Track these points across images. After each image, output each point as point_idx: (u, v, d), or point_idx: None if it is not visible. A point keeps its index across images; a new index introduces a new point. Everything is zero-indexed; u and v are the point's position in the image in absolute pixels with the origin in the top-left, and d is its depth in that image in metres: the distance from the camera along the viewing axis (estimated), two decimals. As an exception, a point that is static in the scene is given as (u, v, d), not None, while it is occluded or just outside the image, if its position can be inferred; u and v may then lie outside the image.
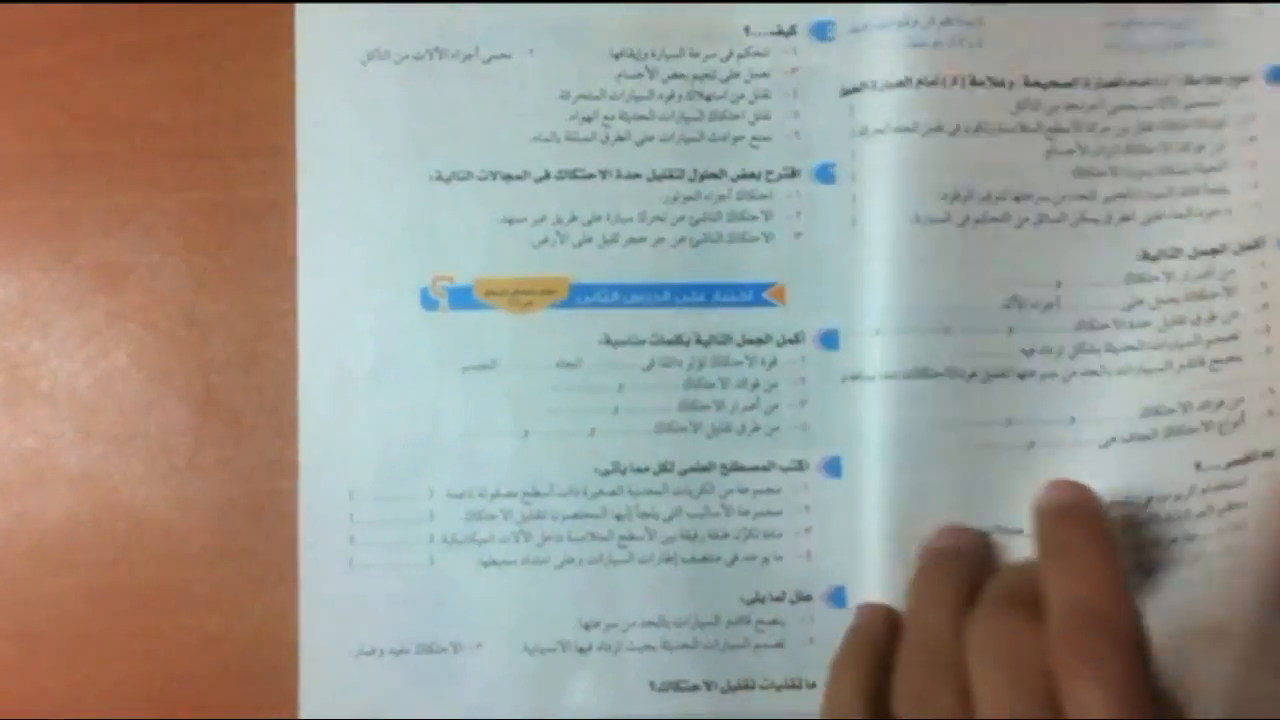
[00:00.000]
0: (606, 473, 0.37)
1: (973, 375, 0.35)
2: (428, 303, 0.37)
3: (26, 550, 0.37)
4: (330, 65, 0.38)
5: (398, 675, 0.36)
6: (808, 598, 0.36)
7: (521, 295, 0.37)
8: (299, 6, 0.38)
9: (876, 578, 0.35)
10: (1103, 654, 0.26)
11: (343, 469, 0.37)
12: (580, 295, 0.37)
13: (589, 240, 0.37)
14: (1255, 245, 0.36)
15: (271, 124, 0.38)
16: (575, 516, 0.36)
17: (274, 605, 0.37)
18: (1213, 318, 0.36)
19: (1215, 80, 0.37)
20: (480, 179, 0.37)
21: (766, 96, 0.38)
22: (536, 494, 0.36)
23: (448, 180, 0.37)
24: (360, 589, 0.36)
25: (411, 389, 0.37)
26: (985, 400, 0.35)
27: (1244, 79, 0.37)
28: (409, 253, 0.37)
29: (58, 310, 0.38)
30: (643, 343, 0.37)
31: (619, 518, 0.36)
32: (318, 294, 0.37)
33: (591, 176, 0.37)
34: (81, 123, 0.38)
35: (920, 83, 0.36)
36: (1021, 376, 0.35)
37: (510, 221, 0.37)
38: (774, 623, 0.36)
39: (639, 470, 0.37)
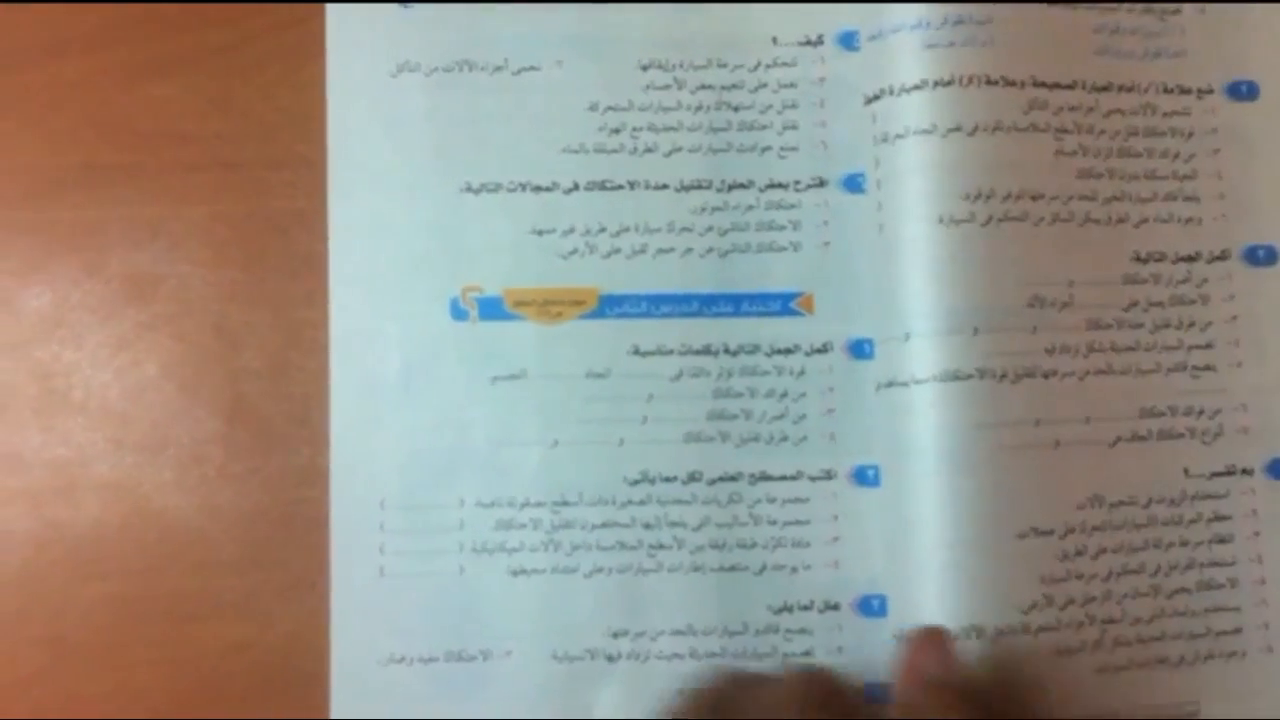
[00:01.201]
0: (635, 482, 0.37)
1: (1003, 376, 0.35)
2: (457, 313, 0.37)
3: (59, 558, 0.37)
4: (360, 77, 0.38)
5: (427, 683, 0.36)
6: (836, 607, 0.36)
7: (551, 306, 0.37)
8: (330, 19, 0.38)
9: (922, 585, 0.35)
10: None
11: (373, 478, 0.37)
12: (609, 306, 0.37)
13: (617, 251, 0.37)
14: (1223, 256, 0.37)
15: (301, 135, 0.38)
16: (604, 525, 0.37)
17: (304, 613, 0.37)
18: (1192, 324, 0.37)
19: (1186, 91, 0.38)
20: (509, 190, 0.37)
21: (794, 106, 0.38)
22: (565, 503, 0.37)
23: (477, 191, 0.37)
24: (390, 597, 0.36)
25: (441, 399, 0.37)
26: (1016, 401, 0.35)
27: (1208, 91, 0.38)
28: (438, 263, 0.37)
29: (89, 321, 0.38)
30: (671, 353, 0.37)
31: (647, 527, 0.37)
32: (348, 304, 0.37)
33: (620, 188, 0.38)
34: (110, 135, 0.38)
35: (937, 84, 0.36)
36: (1046, 376, 0.36)
37: (539, 233, 0.37)
38: (802, 632, 0.36)
39: (667, 480, 0.37)
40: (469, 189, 0.37)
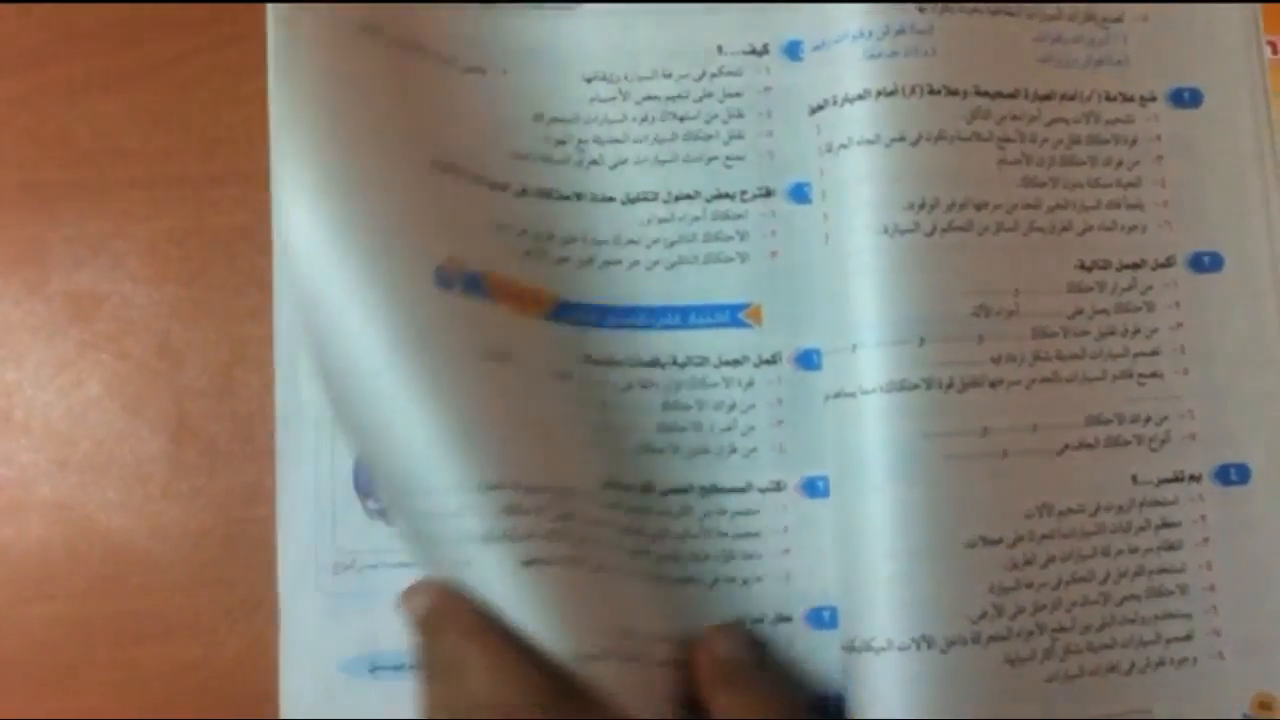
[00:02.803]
0: None
1: (950, 385, 0.35)
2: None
3: (1, 580, 0.37)
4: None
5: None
6: (788, 619, 0.36)
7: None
8: (271, 34, 0.37)
9: (871, 596, 0.34)
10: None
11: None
12: (565, 311, 0.37)
13: (566, 260, 0.37)
14: (1168, 263, 0.37)
15: (244, 151, 0.38)
16: (554, 540, 0.36)
17: (252, 633, 0.36)
18: (1137, 331, 0.37)
19: (1129, 99, 0.38)
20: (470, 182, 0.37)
21: (740, 116, 0.38)
22: None
23: None
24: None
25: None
26: (963, 410, 0.35)
27: (1151, 99, 0.38)
28: None
29: (30, 341, 0.38)
30: (620, 364, 0.37)
31: (598, 541, 0.36)
32: (292, 320, 0.37)
33: (566, 199, 0.37)
34: (51, 152, 0.38)
35: (880, 94, 0.36)
36: (992, 385, 0.35)
37: (500, 228, 0.37)
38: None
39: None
40: None
